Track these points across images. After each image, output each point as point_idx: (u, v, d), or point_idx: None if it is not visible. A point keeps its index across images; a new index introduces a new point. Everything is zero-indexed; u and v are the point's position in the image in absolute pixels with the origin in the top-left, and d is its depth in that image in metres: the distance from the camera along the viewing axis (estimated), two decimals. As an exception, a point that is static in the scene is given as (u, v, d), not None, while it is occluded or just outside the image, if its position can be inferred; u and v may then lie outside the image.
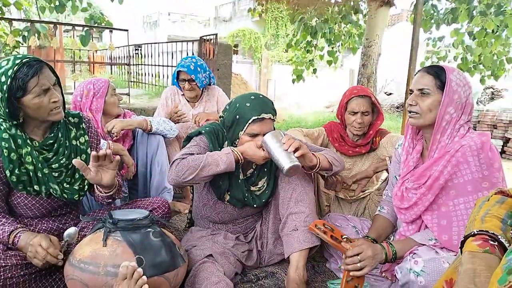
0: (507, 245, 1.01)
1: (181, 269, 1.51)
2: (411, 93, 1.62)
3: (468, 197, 1.51)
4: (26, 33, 5.02)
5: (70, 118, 1.73)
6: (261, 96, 1.82)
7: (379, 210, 1.91)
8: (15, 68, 1.45)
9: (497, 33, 6.25)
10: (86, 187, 1.73)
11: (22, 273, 1.46)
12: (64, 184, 1.64)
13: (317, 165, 1.77)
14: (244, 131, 1.74)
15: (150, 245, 1.44)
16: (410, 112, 1.62)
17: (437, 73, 1.56)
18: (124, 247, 1.40)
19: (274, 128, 1.82)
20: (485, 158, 1.48)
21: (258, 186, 1.89)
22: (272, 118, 1.76)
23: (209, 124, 1.93)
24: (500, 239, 1.02)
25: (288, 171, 1.63)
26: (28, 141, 1.56)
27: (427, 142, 1.67)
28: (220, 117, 1.89)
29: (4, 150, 1.51)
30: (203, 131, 1.84)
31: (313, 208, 1.83)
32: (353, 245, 1.60)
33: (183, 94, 3.03)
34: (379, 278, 1.79)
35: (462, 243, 1.06)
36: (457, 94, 1.53)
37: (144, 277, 1.29)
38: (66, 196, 1.63)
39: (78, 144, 1.72)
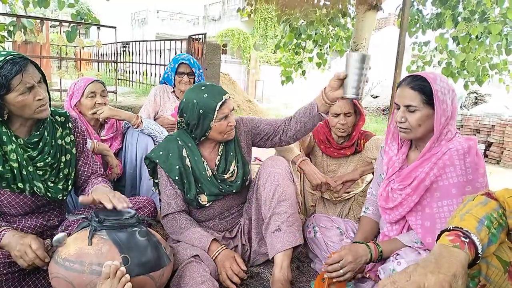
0: (478, 243, 1.07)
1: (167, 268, 1.51)
2: (397, 107, 1.62)
3: (452, 200, 1.54)
4: (11, 28, 4.91)
5: (56, 117, 1.72)
6: (207, 83, 1.88)
7: (364, 211, 1.93)
8: None
9: (481, 39, 6.36)
10: (70, 187, 1.71)
11: (5, 271, 1.44)
12: (49, 183, 1.63)
13: None
14: (215, 119, 1.79)
15: (136, 244, 1.44)
16: (400, 128, 1.63)
17: (422, 88, 1.54)
18: (110, 245, 1.39)
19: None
20: (471, 162, 1.51)
21: (230, 172, 1.92)
22: (229, 96, 1.86)
23: (163, 142, 1.92)
24: (472, 237, 1.08)
25: (345, 98, 1.72)
26: (13, 138, 1.54)
27: (417, 147, 1.70)
28: (179, 122, 1.91)
29: None
30: (157, 161, 1.85)
31: (295, 208, 1.85)
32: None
33: (173, 91, 3.03)
34: (362, 278, 1.82)
35: (438, 236, 1.12)
36: (445, 103, 1.54)
37: (128, 275, 1.29)
38: (50, 195, 1.62)
39: (64, 144, 1.70)
